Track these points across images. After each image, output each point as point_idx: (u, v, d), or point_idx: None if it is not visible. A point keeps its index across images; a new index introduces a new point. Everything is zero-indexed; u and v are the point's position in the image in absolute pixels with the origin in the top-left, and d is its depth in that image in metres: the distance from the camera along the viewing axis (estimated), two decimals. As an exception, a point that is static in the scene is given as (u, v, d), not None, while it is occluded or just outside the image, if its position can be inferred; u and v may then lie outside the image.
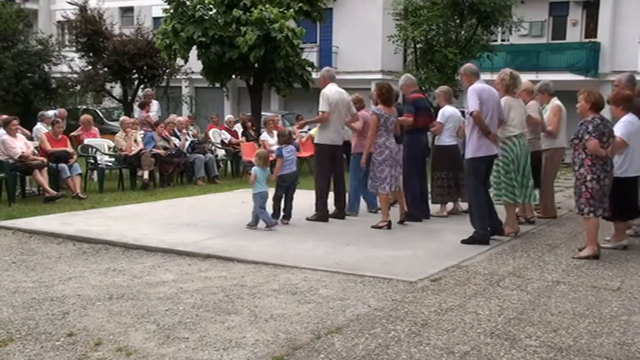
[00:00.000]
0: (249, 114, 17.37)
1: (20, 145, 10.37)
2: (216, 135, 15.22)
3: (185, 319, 4.71)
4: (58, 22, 31.07)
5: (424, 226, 8.44)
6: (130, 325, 4.57)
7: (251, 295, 5.28)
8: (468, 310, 4.96)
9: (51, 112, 14.96)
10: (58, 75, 24.83)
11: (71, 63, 23.91)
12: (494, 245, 7.27)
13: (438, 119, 9.05)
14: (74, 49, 24.38)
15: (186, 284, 5.62)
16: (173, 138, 13.10)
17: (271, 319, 4.70)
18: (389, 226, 8.17)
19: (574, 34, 25.94)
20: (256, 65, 17.09)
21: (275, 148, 9.92)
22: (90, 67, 23.32)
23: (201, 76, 18.99)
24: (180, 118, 14.35)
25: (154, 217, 8.81)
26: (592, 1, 25.02)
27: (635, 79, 8.36)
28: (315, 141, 9.00)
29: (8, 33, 23.76)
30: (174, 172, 12.76)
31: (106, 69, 22.80)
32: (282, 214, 8.46)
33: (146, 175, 11.89)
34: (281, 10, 16.47)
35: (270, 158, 9.01)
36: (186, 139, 13.35)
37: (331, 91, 8.66)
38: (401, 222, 8.44)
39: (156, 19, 26.73)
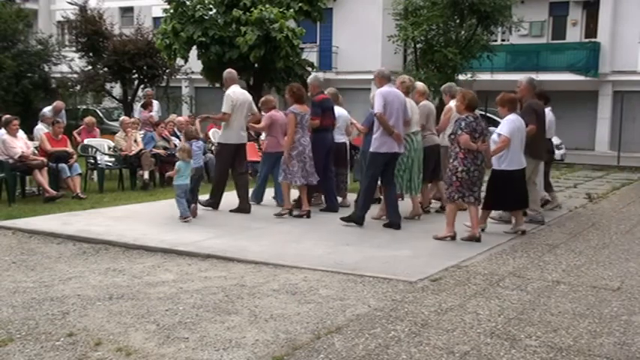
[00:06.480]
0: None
1: (20, 145, 10.37)
2: (216, 135, 15.18)
3: (185, 319, 4.71)
4: (58, 22, 31.09)
5: (424, 226, 8.42)
6: (130, 325, 4.57)
7: (251, 295, 5.29)
8: (468, 310, 4.96)
9: (47, 109, 14.88)
10: (58, 75, 24.85)
11: (71, 63, 23.93)
12: (493, 245, 7.28)
13: None
14: (74, 49, 24.40)
15: (186, 284, 5.62)
16: (173, 138, 13.11)
17: (271, 319, 4.70)
18: (290, 213, 8.77)
19: (574, 34, 25.92)
20: (256, 65, 17.10)
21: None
22: (90, 67, 23.33)
23: (201, 76, 18.99)
24: (180, 118, 14.34)
25: (153, 217, 8.80)
26: (592, 1, 25.01)
27: (535, 81, 9.07)
28: (220, 140, 9.17)
29: (8, 33, 23.81)
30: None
31: (106, 69, 22.80)
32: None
33: (146, 175, 11.89)
34: (281, 10, 16.49)
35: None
36: (187, 139, 13.36)
37: (235, 93, 9.03)
38: (300, 216, 8.75)
39: (156, 19, 26.73)
